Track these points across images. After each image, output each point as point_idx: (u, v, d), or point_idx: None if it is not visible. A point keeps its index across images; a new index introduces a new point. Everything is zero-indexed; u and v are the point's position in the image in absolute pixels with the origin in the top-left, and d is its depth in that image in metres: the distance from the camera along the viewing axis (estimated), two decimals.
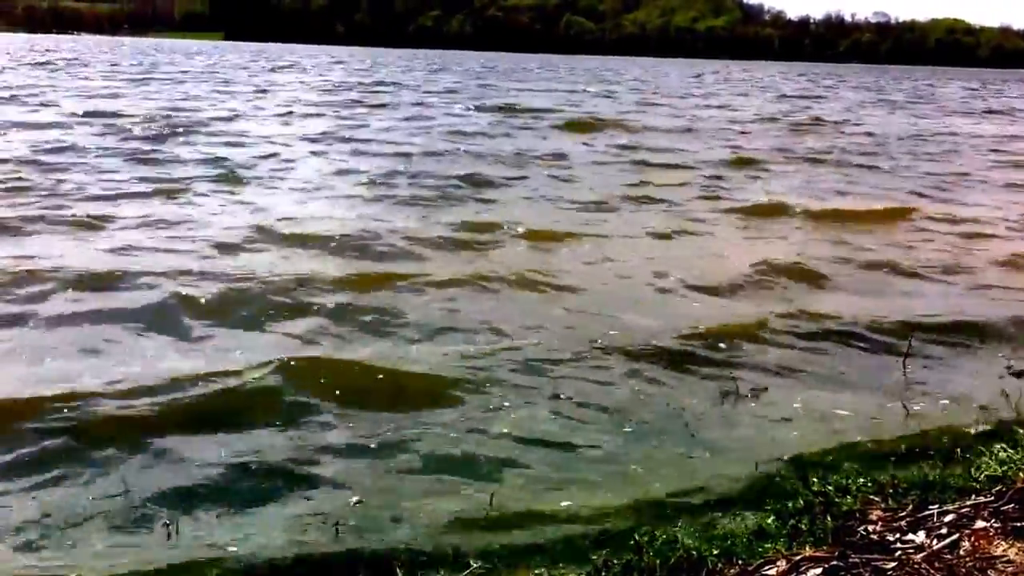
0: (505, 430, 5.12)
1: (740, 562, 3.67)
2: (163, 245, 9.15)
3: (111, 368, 5.82)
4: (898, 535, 3.83)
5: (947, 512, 3.99)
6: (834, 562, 3.53)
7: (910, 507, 4.09)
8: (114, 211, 10.74)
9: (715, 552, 3.74)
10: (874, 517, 4.03)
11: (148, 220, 10.30)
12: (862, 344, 6.92)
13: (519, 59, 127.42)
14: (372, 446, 4.91)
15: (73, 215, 10.35)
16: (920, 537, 3.79)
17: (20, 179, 12.59)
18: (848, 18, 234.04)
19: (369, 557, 3.84)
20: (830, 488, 4.32)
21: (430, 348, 6.42)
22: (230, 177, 13.61)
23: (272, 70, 57.72)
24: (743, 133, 24.30)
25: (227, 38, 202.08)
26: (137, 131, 19.13)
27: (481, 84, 48.92)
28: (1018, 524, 3.81)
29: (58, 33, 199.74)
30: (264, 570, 3.75)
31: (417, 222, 10.76)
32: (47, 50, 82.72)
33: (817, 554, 3.62)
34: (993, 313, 7.69)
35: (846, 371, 6.36)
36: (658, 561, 3.67)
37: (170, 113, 23.71)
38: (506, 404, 5.49)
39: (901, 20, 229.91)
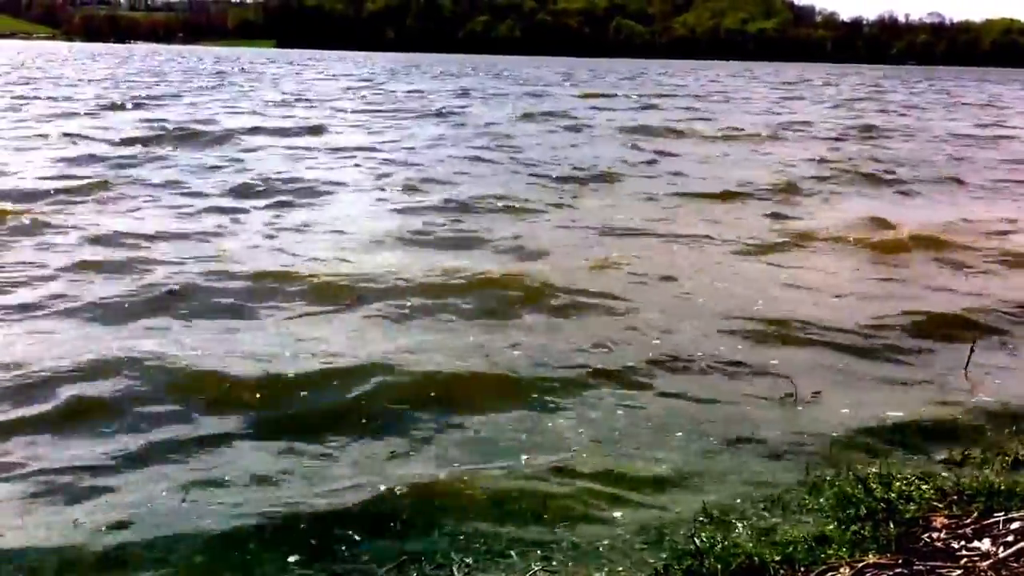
0: (568, 435, 5.14)
1: (802, 568, 3.65)
2: None
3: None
4: (963, 542, 3.79)
5: (1013, 520, 3.94)
6: (898, 569, 3.51)
7: (975, 514, 4.04)
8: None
9: (776, 558, 3.72)
10: (938, 524, 3.99)
11: None
12: (923, 346, 6.85)
13: (577, 63, 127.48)
14: (452, 439, 5.07)
15: None
16: (985, 545, 3.74)
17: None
18: (902, 19, 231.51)
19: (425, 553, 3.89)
20: (892, 495, 4.27)
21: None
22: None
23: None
24: None
25: (278, 46, 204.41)
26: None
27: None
28: None
29: (115, 42, 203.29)
30: None
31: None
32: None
33: (881, 561, 3.59)
34: None
35: (907, 374, 6.29)
36: (719, 566, 3.66)
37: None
38: (567, 406, 5.52)
39: (955, 21, 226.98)
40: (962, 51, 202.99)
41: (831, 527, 4.02)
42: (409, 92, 42.69)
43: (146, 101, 30.85)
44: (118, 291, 7.67)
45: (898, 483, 4.43)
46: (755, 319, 7.32)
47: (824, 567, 3.63)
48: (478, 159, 17.75)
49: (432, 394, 5.63)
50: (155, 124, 22.01)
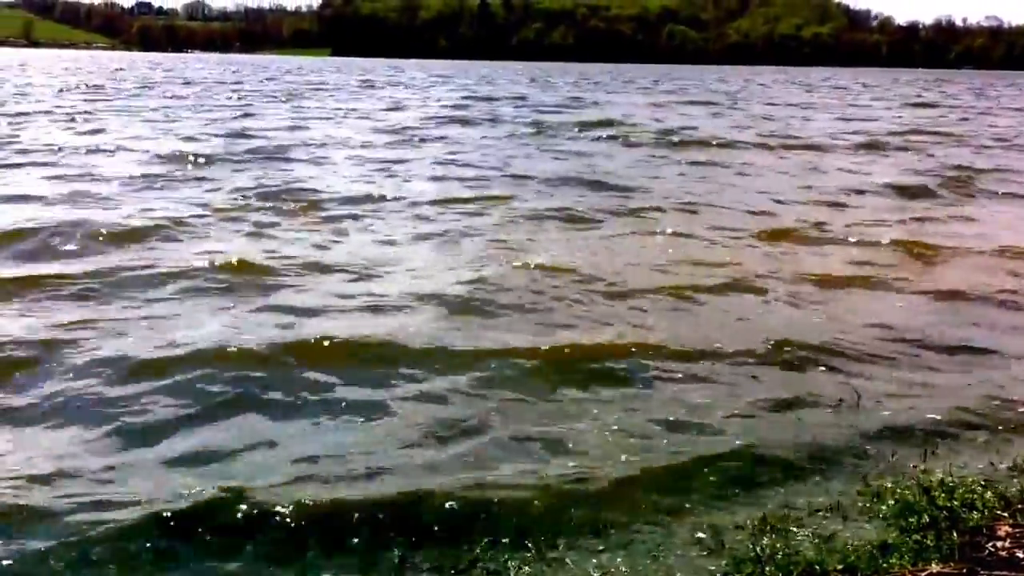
0: (627, 440, 5.13)
1: None
2: None
3: None
4: None
5: None
6: None
7: None
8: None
9: (838, 566, 3.69)
10: (1002, 533, 3.93)
11: None
12: (986, 352, 6.77)
13: (636, 70, 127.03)
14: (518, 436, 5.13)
15: None
16: None
17: None
18: (959, 23, 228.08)
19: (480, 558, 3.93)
20: (955, 502, 4.22)
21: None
22: None
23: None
24: None
25: (334, 54, 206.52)
26: None
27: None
28: None
29: (172, 51, 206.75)
30: None
31: None
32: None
33: (944, 570, 3.56)
34: None
35: (969, 381, 6.20)
36: (780, 574, 3.65)
37: None
38: (621, 412, 5.52)
39: (1013, 24, 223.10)
40: (1020, 55, 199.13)
41: (893, 535, 3.98)
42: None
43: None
44: None
45: (961, 490, 4.37)
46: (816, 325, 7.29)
47: (887, 575, 3.61)
48: None
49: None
50: None
